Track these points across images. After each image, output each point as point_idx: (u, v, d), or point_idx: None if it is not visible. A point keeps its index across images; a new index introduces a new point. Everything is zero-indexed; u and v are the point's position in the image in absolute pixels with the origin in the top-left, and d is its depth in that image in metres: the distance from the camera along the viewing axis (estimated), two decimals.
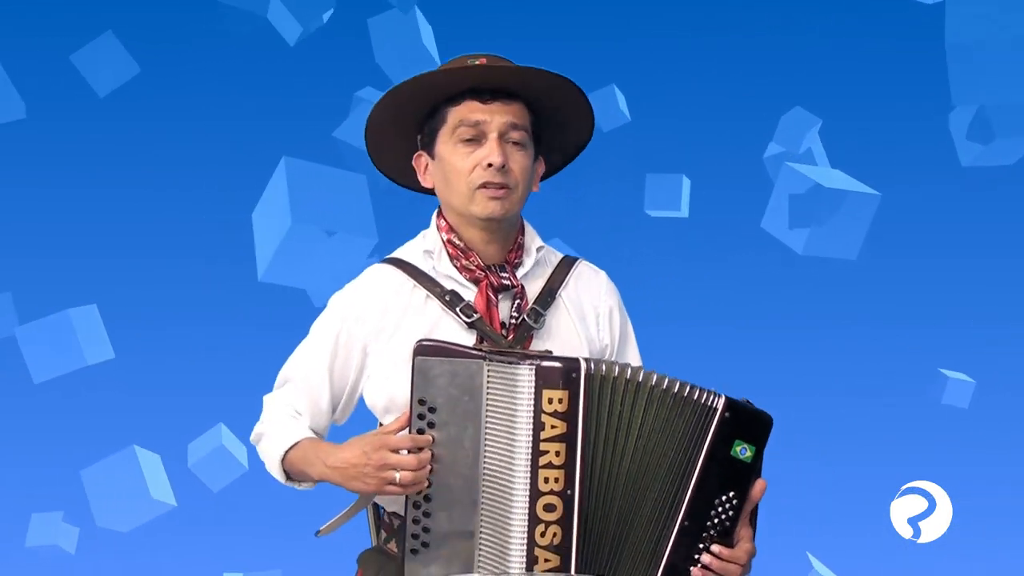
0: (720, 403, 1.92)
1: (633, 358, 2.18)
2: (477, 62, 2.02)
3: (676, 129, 3.80)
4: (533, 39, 3.88)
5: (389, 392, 2.00)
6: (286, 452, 2.01)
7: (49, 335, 3.34)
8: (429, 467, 1.87)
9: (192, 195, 3.27)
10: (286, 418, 2.05)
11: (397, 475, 1.85)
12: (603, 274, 2.19)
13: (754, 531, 1.99)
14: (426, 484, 1.87)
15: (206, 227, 3.30)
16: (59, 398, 3.33)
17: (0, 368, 3.32)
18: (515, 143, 2.03)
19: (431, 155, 2.07)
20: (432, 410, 1.87)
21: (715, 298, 3.60)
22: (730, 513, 1.93)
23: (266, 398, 2.11)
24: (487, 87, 2.01)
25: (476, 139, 2.02)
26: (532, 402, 1.85)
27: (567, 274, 2.12)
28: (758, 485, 1.95)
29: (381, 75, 3.70)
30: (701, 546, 1.92)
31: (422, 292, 2.04)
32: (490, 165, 2.00)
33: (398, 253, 2.12)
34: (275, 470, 2.05)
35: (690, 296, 3.62)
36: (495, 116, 2.01)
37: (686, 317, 3.57)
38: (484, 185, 2.01)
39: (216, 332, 3.39)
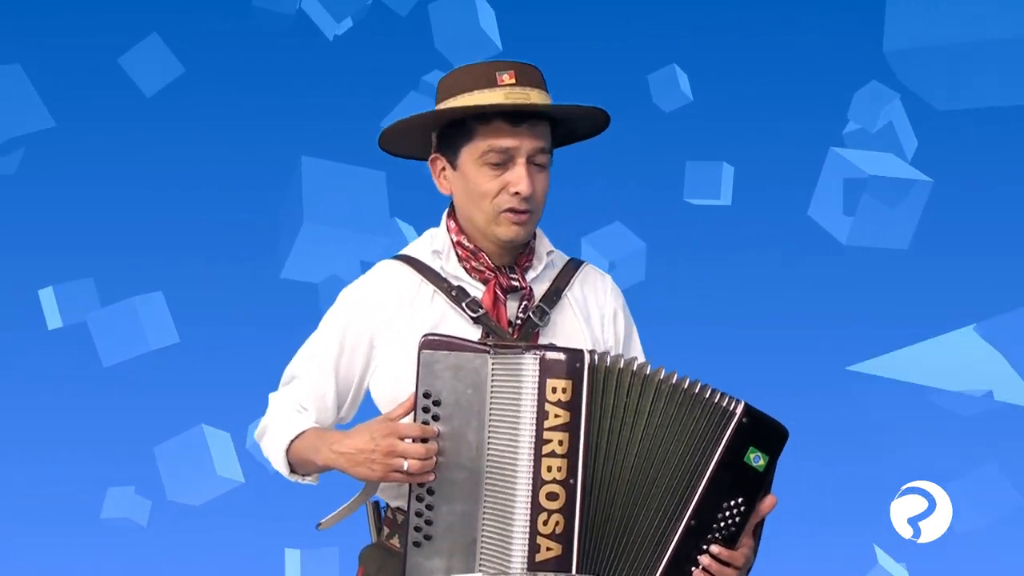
0: (739, 408, 1.88)
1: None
2: (506, 74, 1.98)
3: (739, 111, 3.72)
4: (592, 19, 3.84)
5: (395, 386, 1.98)
6: (291, 442, 1.98)
7: (117, 321, 3.45)
8: (434, 458, 1.85)
9: (246, 188, 3.34)
10: (291, 412, 2.03)
11: (405, 463, 1.83)
12: (608, 277, 2.17)
13: (757, 544, 1.95)
14: (431, 475, 1.85)
15: (258, 219, 3.35)
16: (128, 380, 3.44)
17: (73, 352, 3.45)
18: (539, 165, 2.01)
19: (452, 164, 2.04)
20: (436, 403, 1.86)
21: (758, 291, 3.53)
22: (737, 519, 1.89)
23: (272, 396, 2.09)
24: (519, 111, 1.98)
25: (503, 163, 1.99)
26: (536, 391, 1.83)
27: (573, 276, 2.10)
28: (768, 500, 1.91)
29: (442, 60, 3.70)
30: (704, 547, 1.89)
31: (429, 288, 2.02)
32: (517, 193, 1.98)
33: (407, 251, 2.10)
34: (279, 462, 2.01)
35: (730, 290, 3.56)
36: (524, 141, 1.98)
37: (724, 312, 3.52)
38: (509, 210, 1.99)
39: (275, 318, 3.45)
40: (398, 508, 1.99)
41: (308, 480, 2.02)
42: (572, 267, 2.12)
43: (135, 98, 3.21)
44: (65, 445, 3.47)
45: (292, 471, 2.01)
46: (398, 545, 1.96)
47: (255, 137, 3.34)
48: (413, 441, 1.85)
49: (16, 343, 3.49)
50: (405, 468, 1.83)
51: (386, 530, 2.02)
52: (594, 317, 2.10)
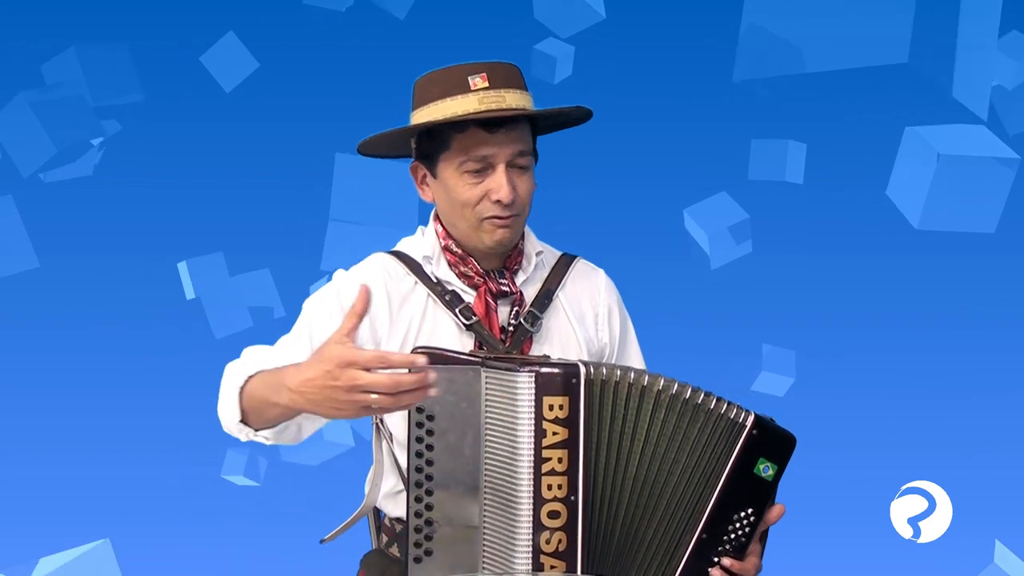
0: (749, 420, 1.75)
1: (634, 357, 1.99)
2: (478, 77, 1.82)
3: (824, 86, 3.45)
4: None
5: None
6: (245, 382, 1.67)
7: (228, 297, 3.52)
8: (414, 391, 1.50)
9: (319, 173, 3.33)
10: (248, 363, 1.73)
11: (373, 396, 1.49)
12: (601, 272, 2.00)
13: (763, 548, 1.82)
14: (412, 401, 1.51)
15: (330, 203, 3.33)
16: (238, 351, 3.51)
17: (188, 326, 3.55)
18: (521, 167, 1.85)
19: (432, 173, 1.90)
20: (431, 418, 1.74)
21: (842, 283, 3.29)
22: (747, 530, 1.77)
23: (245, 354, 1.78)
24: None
25: (483, 171, 1.84)
26: (533, 409, 1.70)
27: (564, 274, 1.94)
28: (776, 509, 1.79)
29: (544, 30, 3.57)
30: (715, 559, 1.77)
31: (423, 290, 1.89)
32: (499, 201, 1.83)
33: (401, 247, 1.96)
34: (229, 410, 1.69)
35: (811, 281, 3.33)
36: (502, 147, 1.83)
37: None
38: (492, 217, 1.84)
39: None
40: (397, 518, 1.89)
41: (262, 436, 1.72)
42: (564, 264, 1.97)
43: (216, 94, 3.26)
44: (191, 408, 3.58)
45: (242, 420, 1.69)
46: (397, 554, 1.87)
47: (339, 124, 3.32)
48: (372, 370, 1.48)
49: (159, 313, 3.61)
50: (374, 405, 1.50)
51: (385, 538, 1.93)
52: (587, 316, 1.95)
